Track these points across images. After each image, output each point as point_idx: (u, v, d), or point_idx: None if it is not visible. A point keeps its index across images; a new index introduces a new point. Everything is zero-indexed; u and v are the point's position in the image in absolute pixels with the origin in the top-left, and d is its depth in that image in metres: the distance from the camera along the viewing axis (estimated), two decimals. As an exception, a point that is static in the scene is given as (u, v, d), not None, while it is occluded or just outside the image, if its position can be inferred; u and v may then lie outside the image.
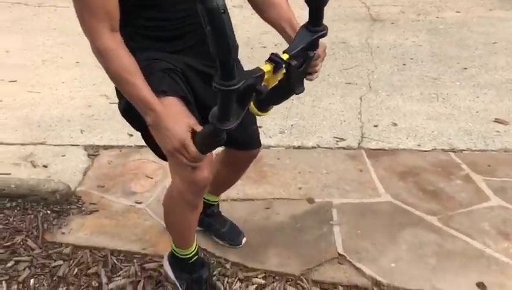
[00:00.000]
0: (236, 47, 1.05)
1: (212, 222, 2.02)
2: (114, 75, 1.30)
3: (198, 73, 1.50)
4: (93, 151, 2.65)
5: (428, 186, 2.41)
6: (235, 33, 1.04)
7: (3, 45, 3.99)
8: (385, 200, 2.31)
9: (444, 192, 2.37)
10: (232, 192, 2.22)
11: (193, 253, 1.75)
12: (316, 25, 1.30)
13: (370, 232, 2.11)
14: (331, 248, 2.03)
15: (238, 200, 2.29)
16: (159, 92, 1.34)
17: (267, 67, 1.24)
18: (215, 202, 2.03)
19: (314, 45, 1.32)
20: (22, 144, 2.69)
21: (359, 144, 2.76)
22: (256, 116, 1.52)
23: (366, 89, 3.42)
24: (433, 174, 2.50)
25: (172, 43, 1.46)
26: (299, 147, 2.73)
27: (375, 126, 2.94)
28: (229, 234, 2.03)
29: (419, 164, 2.59)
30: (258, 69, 1.21)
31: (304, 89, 1.35)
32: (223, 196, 2.09)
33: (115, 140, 2.74)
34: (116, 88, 1.51)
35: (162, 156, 1.53)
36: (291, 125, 2.94)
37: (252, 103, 1.43)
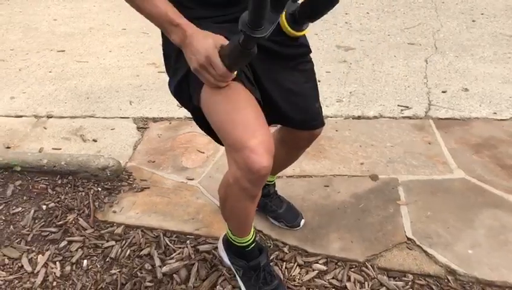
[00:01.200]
0: None
1: (268, 202, 1.89)
2: None
3: (260, 49, 1.33)
4: (142, 123, 2.55)
5: (507, 161, 2.16)
6: None
7: (51, 12, 3.94)
8: (458, 177, 2.09)
9: (526, 167, 2.12)
10: (288, 168, 2.06)
11: (250, 240, 1.63)
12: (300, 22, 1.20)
13: (442, 214, 1.91)
14: (398, 231, 1.85)
15: (294, 177, 2.13)
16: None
17: None
18: (271, 181, 1.88)
19: None
20: (72, 117, 2.63)
21: (426, 112, 2.52)
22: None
23: (432, 49, 3.11)
24: (513, 147, 2.24)
25: (227, 10, 1.28)
26: (359, 117, 2.52)
27: (444, 92, 2.67)
28: (286, 215, 1.89)
29: (496, 134, 2.33)
30: None
31: None
32: (278, 173, 1.94)
33: (165, 111, 2.63)
34: (167, 64, 1.37)
35: (217, 139, 1.39)
36: (350, 92, 2.72)
37: (284, 21, 1.28)
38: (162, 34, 1.34)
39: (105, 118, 2.61)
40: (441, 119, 2.46)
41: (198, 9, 1.28)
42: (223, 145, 1.38)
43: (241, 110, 1.20)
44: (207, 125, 1.34)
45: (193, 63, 1.17)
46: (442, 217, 1.89)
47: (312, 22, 1.27)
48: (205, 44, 1.15)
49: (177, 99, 1.39)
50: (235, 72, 1.21)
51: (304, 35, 1.43)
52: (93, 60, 3.21)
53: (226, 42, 1.18)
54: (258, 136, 1.22)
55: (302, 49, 1.46)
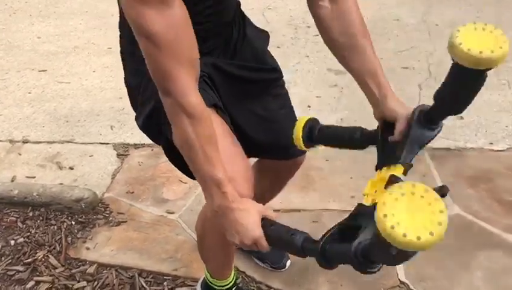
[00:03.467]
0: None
1: (253, 241, 1.76)
2: (193, 143, 0.98)
3: (228, 76, 1.23)
4: (123, 150, 2.43)
5: (504, 195, 2.06)
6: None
7: (35, 30, 3.83)
8: (453, 213, 1.98)
9: (525, 203, 2.01)
10: (274, 201, 1.93)
11: (231, 284, 1.51)
12: (437, 119, 1.00)
13: (437, 255, 1.79)
14: (390, 273, 1.73)
15: (281, 211, 2.01)
16: None
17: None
18: (256, 219, 1.76)
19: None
20: (49, 142, 2.50)
21: (420, 142, 2.41)
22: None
23: (426, 74, 3.03)
24: (510, 180, 2.14)
25: (201, 46, 1.18)
26: (350, 146, 2.41)
27: (438, 120, 2.57)
28: (271, 255, 1.76)
29: (493, 166, 2.23)
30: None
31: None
32: (264, 208, 1.82)
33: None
34: (131, 96, 1.26)
35: (191, 174, 1.27)
36: (341, 119, 2.62)
37: (301, 139, 1.15)
38: (125, 61, 1.24)
39: (84, 143, 2.49)
40: (435, 149, 2.36)
41: None
42: (194, 179, 1.27)
43: (219, 142, 1.08)
44: (180, 159, 1.22)
45: (236, 239, 1.02)
46: (436, 258, 1.78)
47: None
48: (252, 224, 0.99)
49: (146, 134, 1.28)
50: None
51: (272, 56, 1.37)
52: (76, 80, 3.09)
53: (268, 212, 1.03)
54: (235, 165, 1.11)
55: (274, 74, 1.37)
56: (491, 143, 2.38)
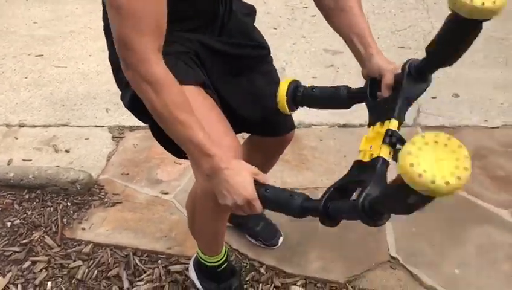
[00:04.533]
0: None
1: (246, 218, 1.78)
2: (161, 111, 1.00)
3: (215, 53, 1.23)
4: (118, 133, 2.44)
5: (498, 172, 2.06)
6: None
7: (32, 15, 3.82)
8: (446, 190, 1.98)
9: (517, 179, 2.02)
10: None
11: (222, 260, 1.53)
12: (429, 72, 1.03)
13: (428, 230, 1.80)
14: (382, 249, 1.75)
15: (274, 190, 2.02)
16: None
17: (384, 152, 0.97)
18: (248, 197, 1.78)
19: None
20: (45, 126, 2.52)
21: (415, 119, 2.41)
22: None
23: (422, 53, 2.99)
24: (504, 157, 2.14)
25: (187, 22, 1.18)
26: (344, 126, 2.41)
27: (433, 98, 2.56)
28: (264, 232, 1.78)
29: (487, 143, 2.23)
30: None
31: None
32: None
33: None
34: (116, 76, 1.26)
35: (177, 154, 1.28)
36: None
37: (285, 101, 1.16)
38: (109, 42, 1.24)
39: (80, 126, 2.50)
40: (430, 127, 2.36)
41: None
42: (184, 158, 1.28)
43: (204, 116, 1.09)
44: (166, 138, 1.23)
45: (227, 200, 1.03)
46: (428, 233, 1.79)
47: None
48: (244, 183, 1.01)
49: (132, 113, 1.28)
50: None
51: (259, 32, 1.37)
52: (72, 64, 3.10)
53: (259, 174, 1.04)
54: (224, 142, 1.12)
55: (262, 50, 1.37)
56: (486, 120, 2.38)
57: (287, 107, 1.16)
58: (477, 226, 1.80)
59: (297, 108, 1.18)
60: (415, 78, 1.02)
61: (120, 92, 1.28)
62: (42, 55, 3.23)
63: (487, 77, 2.72)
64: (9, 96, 2.79)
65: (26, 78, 2.98)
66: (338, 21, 1.18)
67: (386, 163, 0.94)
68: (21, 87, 2.87)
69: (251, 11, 1.37)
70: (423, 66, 1.01)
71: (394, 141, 0.96)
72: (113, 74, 1.27)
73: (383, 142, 0.97)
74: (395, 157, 0.96)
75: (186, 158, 1.25)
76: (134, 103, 1.23)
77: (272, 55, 1.42)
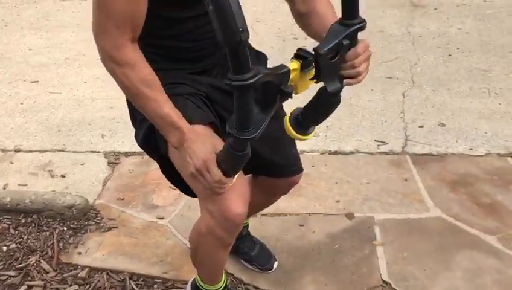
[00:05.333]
0: (246, 32, 0.85)
1: (241, 244, 1.81)
2: (131, 90, 1.13)
3: (228, 94, 1.29)
4: (113, 158, 2.47)
5: (483, 199, 2.13)
6: (245, 18, 0.86)
7: (26, 42, 3.88)
8: (434, 216, 2.05)
9: (502, 206, 2.09)
10: (262, 206, 2.01)
11: (221, 287, 1.55)
12: (351, 17, 1.07)
13: (418, 255, 1.86)
14: (374, 273, 1.79)
15: (268, 215, 2.07)
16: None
17: (293, 65, 1.04)
18: (245, 223, 1.82)
19: (350, 40, 1.08)
20: (40, 151, 2.54)
21: (403, 148, 2.49)
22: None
23: (409, 83, 3.12)
24: (489, 184, 2.22)
25: (196, 64, 1.25)
26: (335, 152, 2.48)
27: (421, 127, 2.66)
28: (259, 257, 1.82)
29: (472, 171, 2.31)
30: (282, 66, 1.01)
31: (340, 88, 1.11)
32: (251, 213, 1.87)
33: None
34: (132, 115, 1.33)
35: (186, 190, 1.34)
36: (327, 126, 2.69)
37: (289, 125, 1.22)
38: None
39: (76, 152, 2.53)
40: (418, 155, 2.44)
41: (164, 63, 1.25)
42: (192, 196, 1.34)
43: None
44: (175, 176, 1.29)
45: (190, 167, 1.13)
46: (418, 258, 1.84)
47: (317, 124, 1.22)
48: (204, 149, 1.11)
49: (144, 151, 1.35)
50: (234, 178, 1.16)
51: None
52: (67, 91, 3.15)
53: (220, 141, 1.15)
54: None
55: None
56: (471, 149, 2.47)
57: (299, 135, 1.22)
58: (465, 252, 1.86)
59: (307, 129, 1.21)
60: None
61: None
62: (37, 81, 3.28)
63: (472, 106, 2.83)
64: (5, 121, 2.82)
65: (21, 104, 3.01)
66: (311, 24, 1.25)
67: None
68: (16, 113, 2.91)
69: (263, 57, 1.41)
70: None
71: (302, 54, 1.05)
72: (129, 111, 1.34)
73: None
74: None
75: (195, 196, 1.30)
76: (147, 142, 1.29)
77: None
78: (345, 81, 1.11)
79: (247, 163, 1.36)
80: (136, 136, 1.34)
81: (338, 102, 1.17)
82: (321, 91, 1.15)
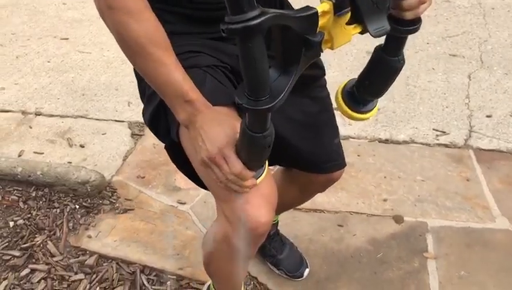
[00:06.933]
0: None
1: (267, 245, 1.56)
2: (131, 46, 0.87)
3: None
4: (138, 130, 2.26)
5: None
6: None
7: (62, -5, 3.68)
8: (501, 228, 1.73)
9: None
10: (296, 199, 1.74)
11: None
12: None
13: (479, 275, 1.55)
14: (423, 293, 1.51)
15: (303, 211, 1.81)
16: None
17: (323, 6, 0.74)
18: (274, 221, 1.56)
19: None
20: (62, 116, 2.36)
21: (466, 140, 2.14)
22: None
23: (477, 64, 2.72)
24: None
25: (211, 27, 0.97)
26: (386, 141, 2.16)
27: (488, 116, 2.28)
28: (288, 262, 1.57)
29: (550, 174, 1.94)
30: (308, 8, 0.71)
31: (387, 28, 0.79)
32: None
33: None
34: (140, 87, 1.07)
35: (197, 181, 1.09)
36: (378, 108, 2.35)
37: (342, 102, 0.95)
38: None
39: (98, 120, 2.33)
40: (484, 150, 2.08)
41: (179, 25, 0.98)
42: (207, 189, 1.08)
43: None
44: (187, 164, 1.03)
45: (202, 152, 0.87)
46: (479, 279, 1.54)
47: (377, 97, 0.95)
48: (221, 131, 0.85)
49: (152, 131, 1.08)
50: (260, 178, 0.89)
51: None
52: (97, 51, 2.94)
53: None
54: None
55: (316, 70, 1.14)
56: (550, 147, 2.09)
57: (351, 111, 0.94)
58: (538, 276, 1.54)
59: (365, 105, 0.96)
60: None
61: None
62: (68, 38, 3.08)
63: (551, 96, 2.42)
64: (29, 80, 2.65)
65: (49, 62, 2.83)
66: None
67: None
68: (42, 72, 2.73)
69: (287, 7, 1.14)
70: None
71: None
72: (137, 82, 1.09)
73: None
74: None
75: (206, 188, 1.05)
76: (155, 122, 1.04)
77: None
78: (397, 13, 0.82)
79: (276, 154, 1.09)
80: (143, 113, 1.08)
81: (399, 63, 0.90)
82: (376, 49, 0.89)
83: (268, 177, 0.94)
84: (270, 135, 0.79)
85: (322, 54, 1.08)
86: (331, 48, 0.78)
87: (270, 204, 0.95)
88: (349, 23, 0.78)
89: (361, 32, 0.80)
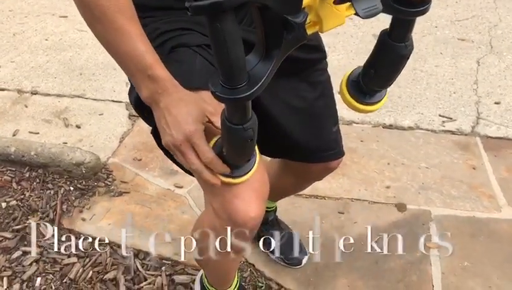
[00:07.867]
0: None
1: (265, 231, 1.52)
2: (93, 9, 0.77)
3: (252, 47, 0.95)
4: (135, 110, 2.20)
5: None
6: None
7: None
8: (508, 218, 1.67)
9: None
10: (296, 185, 1.69)
11: (232, 291, 1.27)
12: None
13: (483, 266, 1.51)
14: (424, 284, 1.46)
15: (303, 196, 1.76)
16: (189, 87, 0.82)
17: None
18: (271, 207, 1.52)
19: None
20: (58, 95, 2.30)
21: (473, 127, 2.08)
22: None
23: (486, 49, 2.64)
24: None
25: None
26: (390, 126, 2.10)
27: (497, 103, 2.22)
28: (286, 249, 1.52)
29: (559, 164, 1.88)
30: None
31: (379, 8, 0.69)
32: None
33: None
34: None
35: (183, 167, 1.02)
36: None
37: (346, 92, 0.87)
38: None
39: (95, 100, 2.27)
40: (491, 138, 2.02)
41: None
42: (192, 175, 1.01)
43: None
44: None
45: (166, 137, 0.79)
46: (483, 270, 1.50)
47: (384, 88, 0.86)
48: (188, 115, 0.77)
49: (138, 113, 1.01)
50: (248, 174, 0.82)
51: (319, 33, 1.02)
52: (96, 29, 2.87)
53: (215, 116, 0.79)
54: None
55: (315, 54, 1.07)
56: (560, 136, 2.03)
57: (357, 103, 0.87)
58: (545, 269, 1.49)
59: (372, 96, 0.86)
60: None
61: None
62: (66, 16, 3.01)
63: (563, 83, 2.35)
64: (26, 58, 2.58)
65: (46, 40, 2.76)
66: None
67: None
68: (39, 50, 2.66)
69: None
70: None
71: None
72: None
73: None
74: None
75: (193, 175, 0.99)
76: (141, 103, 0.98)
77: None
78: None
79: (271, 142, 1.03)
80: (129, 94, 1.01)
81: (406, 50, 0.80)
82: (381, 34, 0.79)
83: (260, 168, 0.88)
84: (251, 127, 0.71)
85: (320, 37, 1.00)
86: (321, 30, 0.70)
87: (261, 198, 0.88)
88: (339, 2, 0.70)
89: (358, 14, 0.73)
